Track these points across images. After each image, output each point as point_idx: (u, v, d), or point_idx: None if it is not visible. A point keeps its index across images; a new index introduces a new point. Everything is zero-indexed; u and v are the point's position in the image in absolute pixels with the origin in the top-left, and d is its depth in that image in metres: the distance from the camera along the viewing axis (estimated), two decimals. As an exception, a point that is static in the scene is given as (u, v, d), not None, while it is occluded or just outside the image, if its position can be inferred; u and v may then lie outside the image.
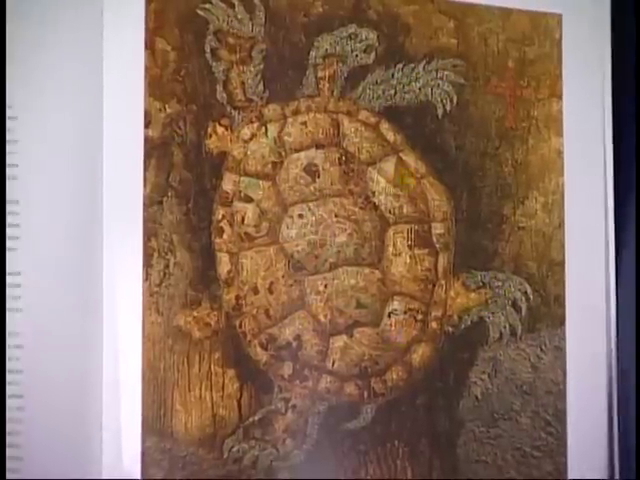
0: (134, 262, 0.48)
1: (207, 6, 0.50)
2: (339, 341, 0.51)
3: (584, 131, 0.54)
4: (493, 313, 0.53)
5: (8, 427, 0.47)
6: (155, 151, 0.49)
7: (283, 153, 0.51)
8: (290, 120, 0.51)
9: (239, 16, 0.50)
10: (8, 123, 0.48)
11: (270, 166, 0.50)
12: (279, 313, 0.50)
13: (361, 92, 0.52)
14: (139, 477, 0.47)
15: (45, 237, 0.48)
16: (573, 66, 0.54)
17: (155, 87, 0.49)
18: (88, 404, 0.47)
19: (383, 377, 0.51)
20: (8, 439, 0.47)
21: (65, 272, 0.48)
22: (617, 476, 0.54)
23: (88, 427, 0.47)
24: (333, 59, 0.51)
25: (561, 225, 0.54)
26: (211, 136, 0.49)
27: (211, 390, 0.49)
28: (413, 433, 0.51)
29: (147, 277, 0.48)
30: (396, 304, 0.51)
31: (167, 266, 0.48)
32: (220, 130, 0.50)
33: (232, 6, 0.50)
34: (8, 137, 0.48)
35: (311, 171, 0.51)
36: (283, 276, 0.50)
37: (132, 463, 0.47)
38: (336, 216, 0.51)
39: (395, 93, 0.52)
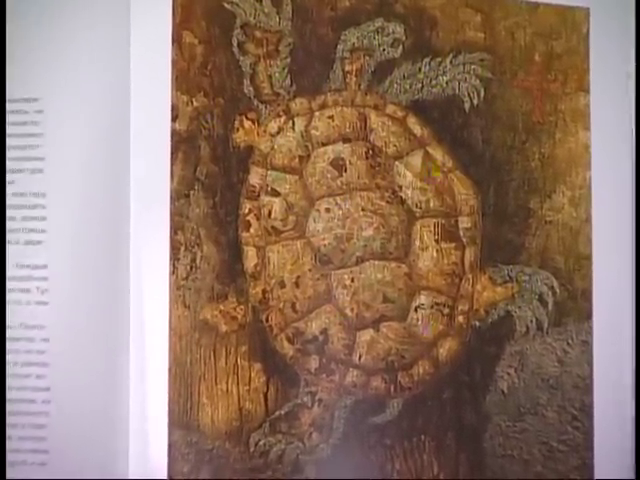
0: (161, 255, 0.48)
1: (234, -1, 0.50)
2: (366, 335, 0.50)
3: (611, 125, 0.54)
4: (520, 307, 0.53)
5: (34, 420, 0.47)
6: (182, 145, 0.49)
7: (310, 147, 0.51)
8: (317, 114, 0.51)
9: (266, 10, 0.50)
10: (34, 116, 0.48)
11: (297, 160, 0.50)
12: (305, 307, 0.50)
13: (388, 86, 0.52)
14: (165, 470, 0.47)
15: (72, 230, 0.48)
16: (600, 60, 0.54)
17: (182, 81, 0.49)
18: (115, 397, 0.47)
19: (410, 371, 0.51)
20: (34, 432, 0.47)
21: (92, 265, 0.48)
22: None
23: (115, 420, 0.47)
24: (360, 53, 0.51)
25: (588, 219, 0.54)
26: (238, 130, 0.49)
27: (237, 384, 0.49)
28: (439, 427, 0.51)
29: (174, 270, 0.48)
30: (423, 298, 0.51)
31: (194, 260, 0.48)
32: (247, 124, 0.50)
33: (259, 0, 0.50)
34: (34, 130, 0.48)
35: (338, 165, 0.51)
36: (310, 270, 0.50)
37: (159, 456, 0.47)
38: (363, 210, 0.51)
39: (422, 87, 0.52)
